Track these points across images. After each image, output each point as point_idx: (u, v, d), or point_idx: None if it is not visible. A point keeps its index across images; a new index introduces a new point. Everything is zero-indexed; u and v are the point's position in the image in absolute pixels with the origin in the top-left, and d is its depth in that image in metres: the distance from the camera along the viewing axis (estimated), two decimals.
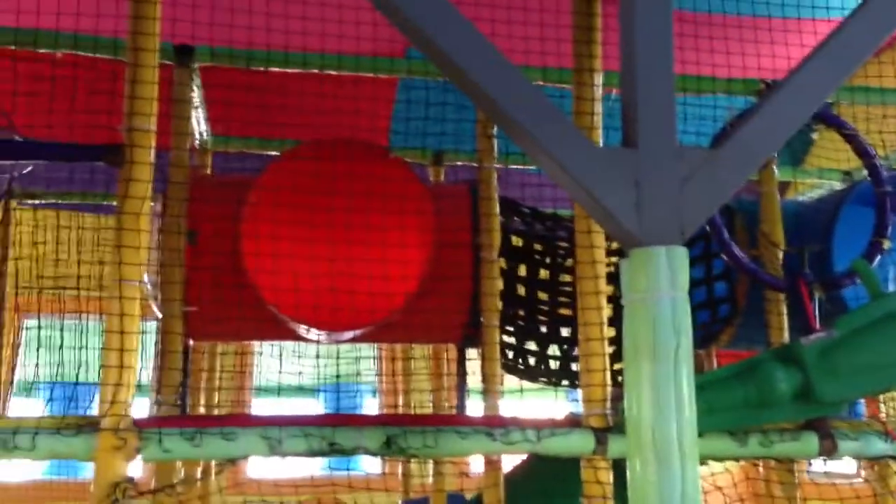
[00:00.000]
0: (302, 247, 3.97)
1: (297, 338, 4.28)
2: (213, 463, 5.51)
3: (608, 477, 2.87)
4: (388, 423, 2.84)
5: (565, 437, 2.91)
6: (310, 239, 4.01)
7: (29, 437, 2.57)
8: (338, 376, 5.33)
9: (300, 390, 6.81)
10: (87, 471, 2.66)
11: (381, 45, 4.11)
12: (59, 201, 5.79)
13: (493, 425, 2.91)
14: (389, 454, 2.77)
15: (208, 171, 5.00)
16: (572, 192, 2.53)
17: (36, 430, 2.60)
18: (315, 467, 8.02)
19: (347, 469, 5.13)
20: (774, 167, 4.26)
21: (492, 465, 3.68)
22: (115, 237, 2.76)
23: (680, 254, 2.43)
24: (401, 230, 4.02)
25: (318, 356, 5.31)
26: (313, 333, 4.20)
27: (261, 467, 8.13)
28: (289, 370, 5.70)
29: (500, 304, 4.10)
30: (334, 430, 2.76)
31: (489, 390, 3.85)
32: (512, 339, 4.68)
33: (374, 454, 2.77)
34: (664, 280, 2.40)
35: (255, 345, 7.24)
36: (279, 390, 7.70)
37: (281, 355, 5.75)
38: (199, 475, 5.56)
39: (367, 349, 6.70)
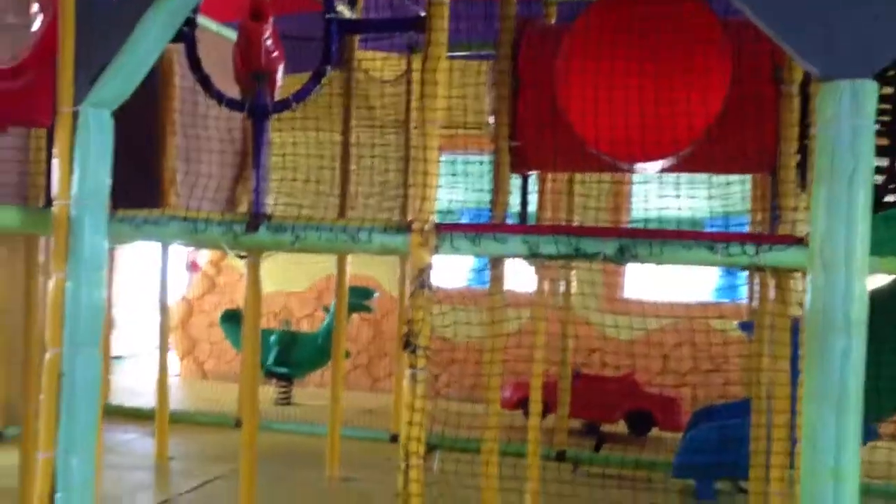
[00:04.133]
0: (610, 85, 4.47)
1: (610, 168, 4.86)
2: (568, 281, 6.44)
3: None
4: (623, 234, 3.39)
5: (782, 253, 3.19)
6: (617, 78, 4.49)
7: (367, 233, 3.66)
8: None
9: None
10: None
11: None
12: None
13: (716, 240, 3.29)
14: (623, 260, 3.34)
15: (552, 20, 5.64)
16: (769, 34, 2.71)
17: (372, 228, 3.68)
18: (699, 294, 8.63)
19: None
20: None
21: None
22: (420, 88, 3.64)
23: (866, 87, 2.55)
24: (699, 67, 4.30)
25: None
26: (623, 164, 4.75)
27: (638, 289, 8.95)
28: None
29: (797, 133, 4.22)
30: (579, 238, 3.41)
31: (784, 211, 4.10)
32: None
33: (611, 260, 3.37)
34: (846, 110, 2.56)
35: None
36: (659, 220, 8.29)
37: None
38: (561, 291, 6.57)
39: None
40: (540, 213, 5.93)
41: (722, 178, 6.14)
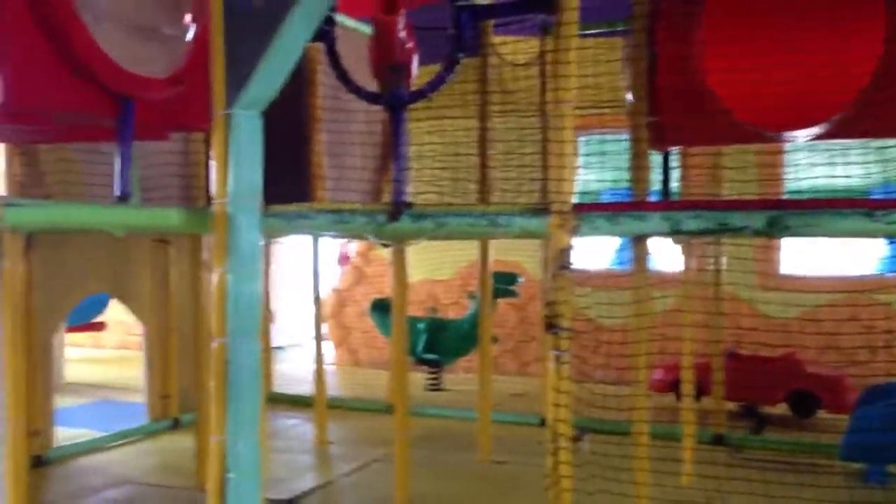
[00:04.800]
0: (753, 52, 4.29)
1: (757, 139, 4.66)
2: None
3: None
4: (772, 206, 3.24)
5: None
6: (761, 44, 4.31)
7: (507, 217, 3.69)
8: None
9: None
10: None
11: None
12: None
13: (875, 207, 3.08)
14: (774, 233, 3.20)
15: None
16: None
17: (511, 212, 3.70)
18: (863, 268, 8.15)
19: None
20: None
21: None
22: (552, 68, 3.62)
23: None
24: (850, 27, 4.06)
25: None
26: (771, 134, 4.54)
27: (794, 265, 8.53)
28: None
29: None
30: (724, 212, 3.29)
31: None
32: None
33: (760, 233, 3.24)
34: None
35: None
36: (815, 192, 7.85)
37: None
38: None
39: None
40: (684, 189, 5.78)
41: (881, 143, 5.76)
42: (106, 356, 11.20)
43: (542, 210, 3.64)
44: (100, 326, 9.94)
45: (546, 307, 3.58)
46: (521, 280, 8.34)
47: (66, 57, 3.24)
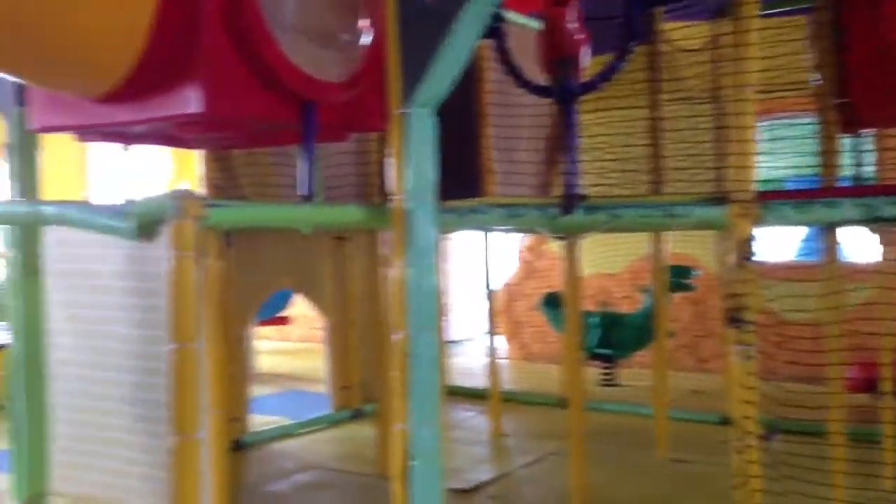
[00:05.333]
0: None
1: None
2: None
3: None
4: None
5: None
6: None
7: (684, 208, 3.59)
8: None
9: None
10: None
11: None
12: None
13: None
14: None
15: None
16: None
17: (688, 203, 3.60)
18: None
19: None
20: None
21: None
22: (731, 52, 3.48)
23: None
24: None
25: None
26: None
27: None
28: None
29: None
30: None
31: None
32: None
33: None
34: None
35: None
36: None
37: None
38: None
39: None
40: (880, 174, 5.40)
41: None
42: (291, 348, 11.85)
43: (721, 199, 3.51)
44: (285, 321, 10.53)
45: (728, 300, 3.46)
46: (696, 273, 8.08)
47: (257, 68, 3.45)
